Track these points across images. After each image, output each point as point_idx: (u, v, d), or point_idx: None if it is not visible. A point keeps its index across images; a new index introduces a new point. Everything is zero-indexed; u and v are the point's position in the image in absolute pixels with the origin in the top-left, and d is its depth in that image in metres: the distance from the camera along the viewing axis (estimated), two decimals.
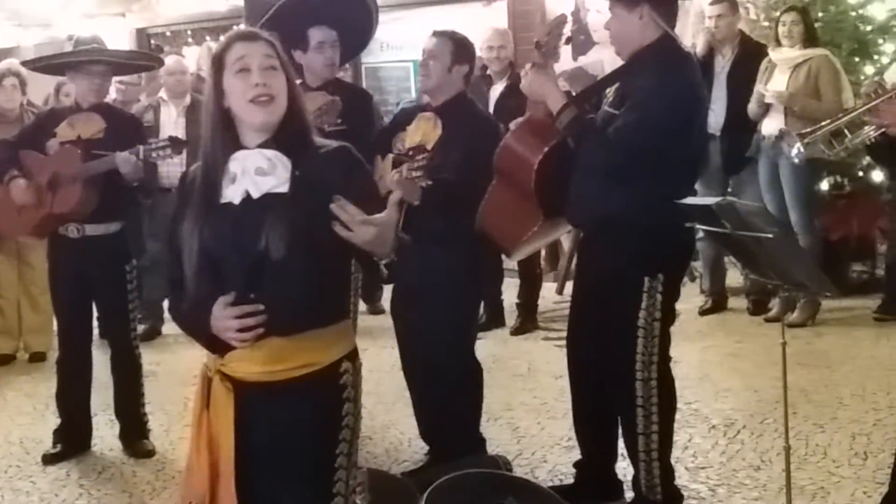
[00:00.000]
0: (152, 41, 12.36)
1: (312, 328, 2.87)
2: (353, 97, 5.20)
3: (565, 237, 7.92)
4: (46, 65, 5.66)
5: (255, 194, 2.85)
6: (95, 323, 5.60)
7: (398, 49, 10.83)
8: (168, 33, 12.35)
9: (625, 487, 4.57)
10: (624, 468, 4.59)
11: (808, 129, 6.66)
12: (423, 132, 4.72)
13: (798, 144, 6.79)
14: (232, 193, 2.88)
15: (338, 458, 2.90)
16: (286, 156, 2.88)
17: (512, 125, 4.39)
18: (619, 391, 4.26)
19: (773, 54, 7.19)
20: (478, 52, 7.27)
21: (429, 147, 4.65)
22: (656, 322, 4.15)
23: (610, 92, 4.23)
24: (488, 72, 7.50)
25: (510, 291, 7.60)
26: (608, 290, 4.16)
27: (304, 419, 2.87)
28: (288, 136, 2.91)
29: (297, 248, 2.80)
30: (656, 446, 4.24)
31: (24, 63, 6.08)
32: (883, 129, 3.98)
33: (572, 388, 4.52)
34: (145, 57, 6.07)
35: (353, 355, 2.97)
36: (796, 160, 6.22)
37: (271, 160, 2.88)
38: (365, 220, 2.61)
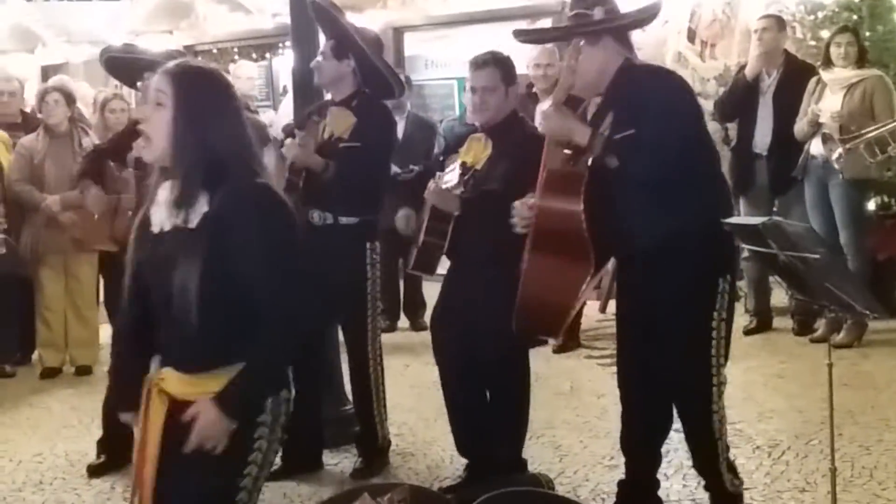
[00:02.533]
0: (199, 58, 12.46)
1: (213, 368, 2.94)
2: (371, 114, 5.20)
3: None
4: (126, 67, 5.67)
5: (166, 227, 2.93)
6: None
7: (443, 67, 10.88)
8: (215, 51, 12.46)
9: None
10: (667, 488, 4.57)
11: (851, 135, 6.64)
12: (474, 153, 4.78)
13: (840, 150, 6.78)
14: (156, 221, 2.97)
15: (248, 466, 3.00)
16: (206, 189, 2.90)
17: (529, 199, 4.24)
18: (693, 400, 4.24)
19: (825, 74, 7.13)
20: (525, 70, 7.32)
21: (478, 167, 4.68)
22: (724, 324, 4.16)
23: (604, 127, 4.17)
24: (534, 89, 7.51)
25: None
26: (678, 300, 4.11)
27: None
28: (204, 170, 2.92)
29: (197, 287, 2.85)
30: (728, 448, 4.28)
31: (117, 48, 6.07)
32: None
33: (626, 405, 4.46)
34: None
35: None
36: (837, 165, 6.18)
37: (191, 194, 2.90)
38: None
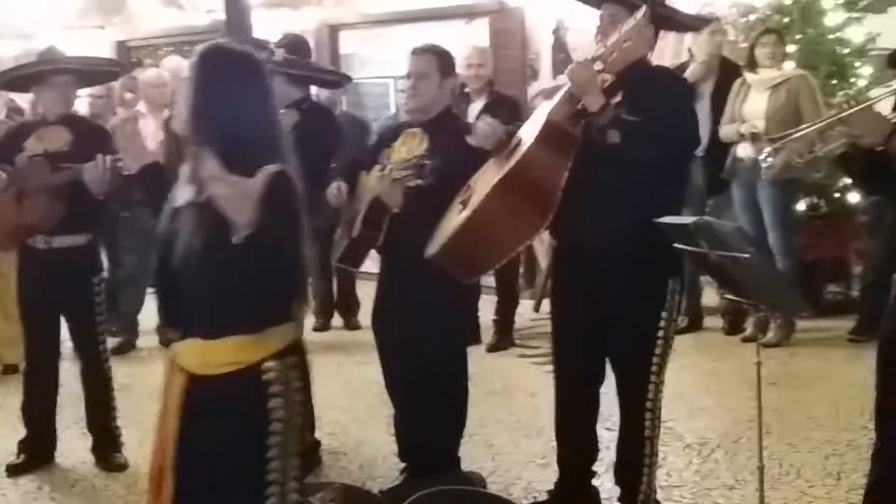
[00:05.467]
0: (132, 54, 12.34)
1: (230, 335, 3.02)
2: (315, 114, 5.29)
3: (542, 255, 7.94)
4: (10, 81, 5.62)
5: (179, 202, 3.01)
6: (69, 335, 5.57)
7: (378, 65, 10.85)
8: (149, 46, 12.33)
9: None
10: (598, 485, 4.59)
11: (779, 135, 6.72)
12: (409, 148, 4.71)
13: (768, 149, 6.86)
14: (177, 196, 3.06)
15: (271, 450, 3.03)
16: (227, 167, 2.94)
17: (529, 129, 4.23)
18: (631, 396, 4.27)
19: (749, 76, 7.23)
20: (457, 70, 7.31)
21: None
22: (673, 324, 4.21)
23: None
24: (467, 89, 7.51)
25: (487, 308, 7.59)
26: (628, 296, 4.12)
27: (230, 414, 3.02)
28: (219, 147, 2.97)
29: (207, 258, 2.94)
30: (657, 452, 4.29)
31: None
32: (854, 140, 4.01)
33: (562, 402, 4.48)
34: (106, 63, 5.93)
35: (282, 353, 3.07)
36: (764, 165, 6.24)
37: (207, 168, 2.96)
38: (220, 176, 2.78)
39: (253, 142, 3.01)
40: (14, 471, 5.39)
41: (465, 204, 4.22)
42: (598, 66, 4.06)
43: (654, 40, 4.25)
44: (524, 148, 4.10)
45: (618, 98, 4.06)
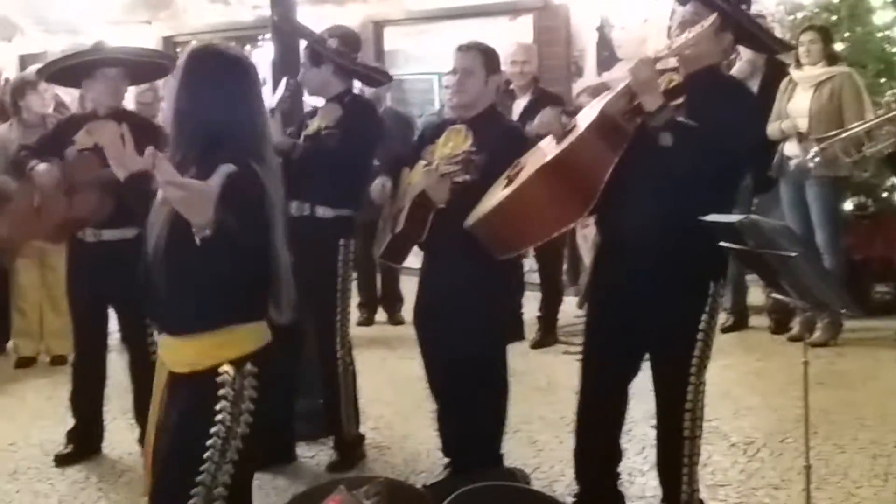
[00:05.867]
0: (178, 49, 12.43)
1: (193, 332, 3.06)
2: (358, 107, 5.30)
3: (586, 252, 7.91)
4: (60, 74, 5.61)
5: (160, 197, 2.99)
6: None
7: (422, 62, 10.86)
8: (194, 42, 12.38)
9: None
10: (643, 484, 4.58)
11: (827, 134, 6.69)
12: (453, 144, 4.70)
13: (815, 149, 6.83)
14: (158, 192, 3.02)
15: (206, 450, 3.04)
16: (199, 165, 2.97)
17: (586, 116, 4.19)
18: (669, 396, 4.24)
19: (795, 73, 7.19)
20: (502, 67, 7.32)
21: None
22: (713, 325, 4.17)
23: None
24: (511, 86, 7.51)
25: (531, 305, 7.59)
26: (667, 298, 4.09)
27: (182, 411, 3.09)
28: (200, 145, 3.03)
29: (171, 256, 2.98)
30: (698, 452, 4.26)
31: (38, 72, 6.03)
32: None
33: (591, 400, 4.46)
34: (156, 55, 5.89)
35: (242, 360, 3.08)
36: (811, 164, 6.20)
37: (182, 165, 2.99)
38: (175, 181, 2.75)
39: (233, 143, 3.01)
40: (62, 461, 5.45)
41: (510, 180, 4.23)
42: (670, 63, 4.05)
43: (730, 51, 4.22)
44: (576, 134, 4.09)
45: (679, 101, 4.04)
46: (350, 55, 5.26)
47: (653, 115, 3.92)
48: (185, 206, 2.77)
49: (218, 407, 3.03)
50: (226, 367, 3.04)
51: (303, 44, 5.37)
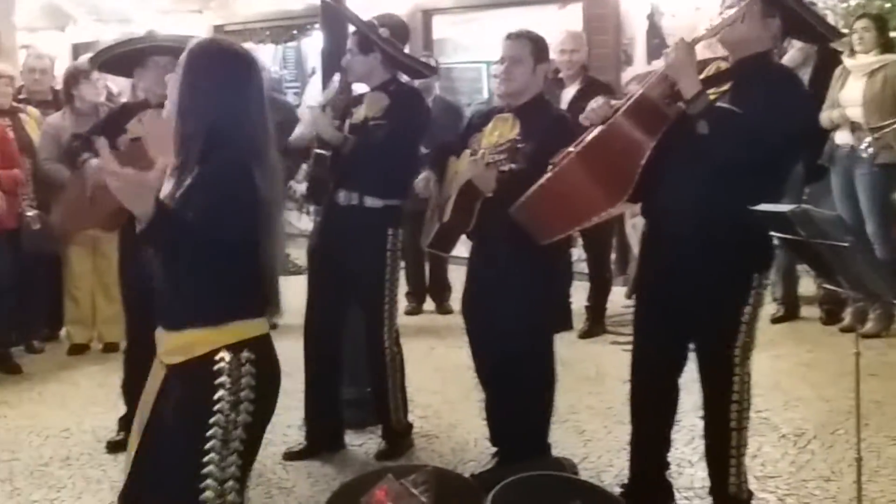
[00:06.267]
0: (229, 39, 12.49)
1: (185, 327, 3.03)
2: (405, 97, 5.27)
3: (634, 242, 7.88)
4: (112, 62, 5.63)
5: (161, 194, 2.98)
6: None
7: (471, 50, 10.84)
8: (244, 31, 12.48)
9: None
10: (692, 475, 4.55)
11: (881, 124, 6.61)
12: (500, 132, 4.69)
13: (868, 138, 6.75)
14: (163, 189, 3.04)
15: (209, 441, 2.98)
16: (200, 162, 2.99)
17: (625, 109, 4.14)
18: (714, 387, 4.22)
19: (848, 61, 7.12)
20: (551, 55, 7.30)
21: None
22: (757, 317, 4.14)
23: (713, 91, 4.10)
24: (560, 75, 7.48)
25: (579, 294, 7.57)
26: (709, 288, 4.07)
27: (177, 401, 3.04)
28: (201, 143, 3.02)
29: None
30: (746, 443, 4.24)
31: (90, 60, 6.06)
32: None
33: (640, 391, 4.46)
34: None
35: (239, 346, 3.02)
36: (864, 154, 6.11)
37: (185, 163, 3.01)
38: (115, 171, 2.76)
39: (231, 141, 2.99)
40: (114, 447, 5.50)
41: (555, 166, 4.22)
42: (719, 52, 4.02)
43: (780, 37, 4.17)
44: (612, 118, 4.08)
45: (725, 87, 4.01)
46: (398, 45, 5.26)
47: (691, 102, 3.90)
48: (124, 195, 2.79)
49: (216, 396, 2.97)
50: (222, 354, 2.99)
51: (352, 32, 5.38)
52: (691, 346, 4.32)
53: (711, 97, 3.96)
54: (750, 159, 3.88)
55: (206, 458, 2.97)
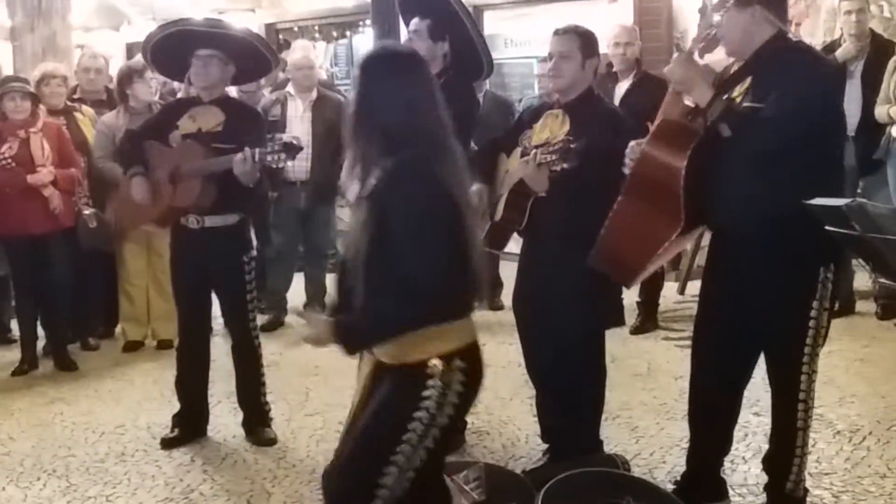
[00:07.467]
0: (281, 36, 12.57)
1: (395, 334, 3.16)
2: (456, 91, 5.17)
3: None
4: (165, 60, 5.65)
5: (353, 196, 3.23)
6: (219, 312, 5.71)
7: (522, 45, 10.81)
8: (296, 28, 12.54)
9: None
10: (745, 471, 4.51)
11: None
12: (550, 129, 4.68)
13: None
14: (351, 191, 3.30)
15: (406, 433, 3.13)
16: (380, 162, 3.14)
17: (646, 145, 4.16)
18: (782, 387, 4.19)
19: None
20: (604, 49, 7.26)
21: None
22: (825, 313, 4.09)
23: (738, 90, 4.09)
24: (614, 69, 7.44)
25: (631, 290, 7.52)
26: (773, 287, 4.05)
27: (387, 394, 3.21)
28: (378, 143, 3.17)
29: (373, 257, 3.11)
30: (808, 441, 4.21)
31: (144, 41, 5.97)
32: None
33: (700, 387, 4.41)
34: (259, 40, 5.82)
35: (451, 355, 3.16)
36: None
37: (366, 166, 3.18)
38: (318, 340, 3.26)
39: (410, 137, 3.11)
40: (168, 444, 5.56)
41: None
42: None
43: (779, 19, 4.09)
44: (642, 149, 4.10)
45: (747, 84, 3.98)
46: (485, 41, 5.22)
47: (707, 109, 3.90)
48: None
49: (425, 394, 3.12)
50: (434, 361, 3.13)
51: (403, 30, 5.35)
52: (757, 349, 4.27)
53: (736, 96, 3.94)
54: (780, 150, 3.86)
55: (398, 448, 3.13)
